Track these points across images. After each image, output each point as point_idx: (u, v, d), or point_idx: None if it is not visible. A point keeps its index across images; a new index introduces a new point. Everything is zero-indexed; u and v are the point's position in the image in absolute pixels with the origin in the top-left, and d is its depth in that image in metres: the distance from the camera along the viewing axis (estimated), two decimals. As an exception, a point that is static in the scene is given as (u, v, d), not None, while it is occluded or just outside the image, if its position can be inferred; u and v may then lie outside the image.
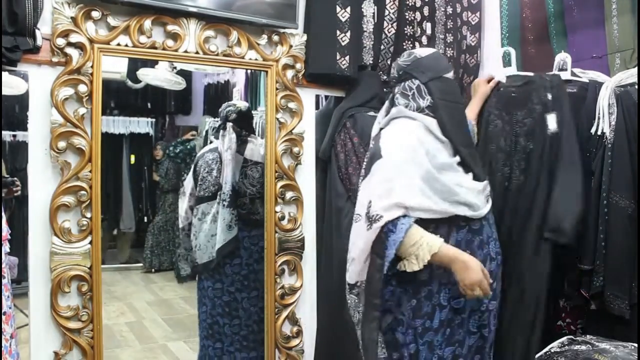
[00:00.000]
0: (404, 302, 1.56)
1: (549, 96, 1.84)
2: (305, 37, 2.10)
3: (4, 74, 1.61)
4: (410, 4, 2.34)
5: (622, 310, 1.68)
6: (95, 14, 1.70)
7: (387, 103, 1.70)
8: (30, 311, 1.68)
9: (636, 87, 1.75)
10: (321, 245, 2.25)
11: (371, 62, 2.25)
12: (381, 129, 1.65)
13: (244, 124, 2.37)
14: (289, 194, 2.12)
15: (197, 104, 3.12)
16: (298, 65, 2.09)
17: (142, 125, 2.91)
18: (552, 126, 1.83)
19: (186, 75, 2.77)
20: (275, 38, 2.04)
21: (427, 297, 1.56)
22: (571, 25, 2.14)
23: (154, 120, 2.97)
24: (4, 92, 1.61)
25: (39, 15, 1.62)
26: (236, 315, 2.34)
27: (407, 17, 2.34)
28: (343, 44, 2.12)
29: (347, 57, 2.13)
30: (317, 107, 2.40)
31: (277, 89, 2.06)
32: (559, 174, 1.79)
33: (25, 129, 1.74)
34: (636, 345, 1.28)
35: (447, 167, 1.55)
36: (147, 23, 1.78)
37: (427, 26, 2.39)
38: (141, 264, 3.09)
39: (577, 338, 1.39)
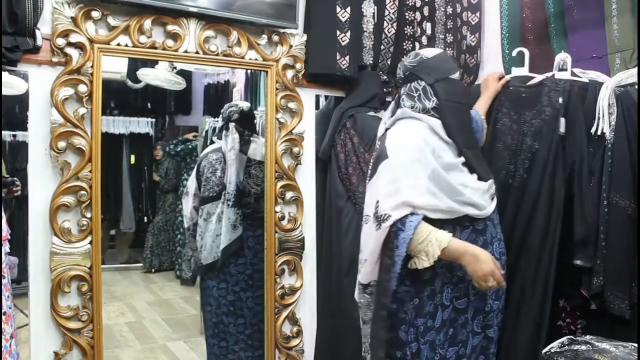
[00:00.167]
0: (407, 301, 1.56)
1: (560, 100, 1.85)
2: (305, 37, 2.10)
3: (4, 74, 1.61)
4: (410, 4, 2.34)
5: (622, 310, 1.67)
6: (95, 14, 1.70)
7: (392, 104, 1.70)
8: (30, 311, 1.68)
9: (636, 87, 1.75)
10: (321, 245, 2.25)
11: (371, 62, 2.25)
12: (387, 129, 1.66)
13: (246, 124, 2.38)
14: (289, 194, 2.12)
15: (197, 104, 3.12)
16: (298, 65, 2.09)
17: (142, 125, 2.91)
18: (562, 129, 1.84)
19: (186, 75, 2.78)
20: (275, 38, 2.04)
21: (430, 297, 1.56)
22: (571, 25, 2.13)
23: (154, 120, 2.97)
24: (4, 92, 1.61)
25: (39, 15, 1.62)
26: (241, 315, 2.35)
27: (407, 17, 2.34)
28: (343, 44, 2.12)
29: (347, 57, 2.13)
30: (317, 107, 2.40)
31: (277, 89, 2.06)
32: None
33: (25, 129, 1.74)
34: (636, 345, 1.28)
35: (453, 167, 1.56)
36: (147, 23, 1.78)
37: (427, 26, 2.39)
38: (141, 264, 3.09)
39: (577, 338, 1.39)
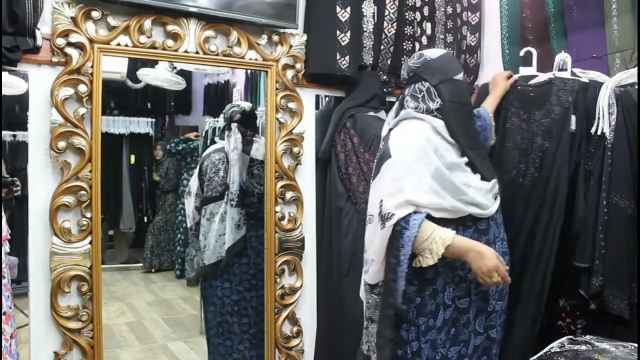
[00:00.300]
0: (411, 300, 1.57)
1: (570, 99, 1.85)
2: (305, 37, 2.10)
3: (4, 74, 1.61)
4: (410, 4, 2.34)
5: (622, 310, 1.68)
6: (95, 14, 1.70)
7: (396, 104, 1.70)
8: (30, 311, 1.68)
9: (636, 87, 1.75)
10: (321, 245, 2.25)
11: (371, 62, 2.25)
12: (390, 129, 1.66)
13: (248, 124, 2.39)
14: (289, 194, 2.12)
15: (197, 104, 3.12)
16: (298, 65, 2.09)
17: (142, 125, 2.91)
18: (573, 126, 1.85)
19: (186, 75, 2.77)
20: (275, 38, 2.04)
21: (432, 296, 1.56)
22: (571, 25, 2.13)
23: (154, 120, 2.97)
24: (4, 92, 1.61)
25: (39, 15, 1.62)
26: (245, 314, 2.36)
27: (407, 17, 2.34)
28: (343, 44, 2.12)
29: (347, 57, 2.13)
30: (317, 107, 2.40)
31: (277, 89, 2.06)
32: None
33: (25, 129, 1.73)
34: (636, 345, 1.28)
35: (456, 166, 1.56)
36: (147, 23, 1.78)
37: (427, 26, 2.39)
38: (141, 264, 3.09)
39: (577, 338, 1.39)
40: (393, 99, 2.36)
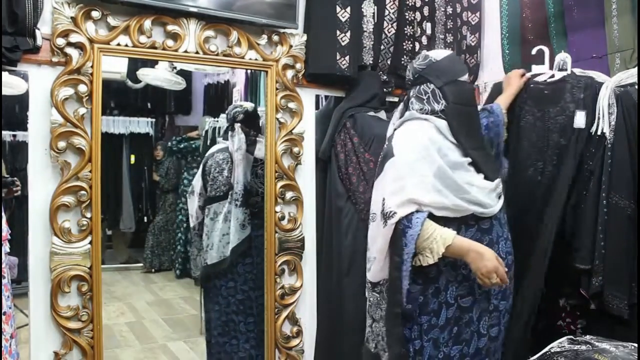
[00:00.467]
0: (415, 298, 1.57)
1: (582, 96, 1.86)
2: (305, 37, 2.10)
3: (4, 74, 1.61)
4: (410, 4, 2.34)
5: (621, 310, 1.68)
6: (95, 14, 1.70)
7: (401, 105, 1.72)
8: (30, 311, 1.68)
9: (636, 87, 1.75)
10: (321, 245, 2.25)
11: (371, 62, 2.25)
12: (395, 129, 1.67)
13: (251, 124, 2.39)
14: (289, 194, 2.12)
15: (197, 104, 3.12)
16: (298, 65, 2.09)
17: (142, 125, 2.91)
18: (580, 122, 1.84)
19: (186, 75, 2.78)
20: (275, 38, 2.04)
21: (434, 294, 1.57)
22: (571, 25, 2.13)
23: (154, 120, 2.97)
24: (4, 92, 1.61)
25: (39, 15, 1.62)
26: (250, 313, 2.36)
27: (407, 17, 2.34)
28: (343, 44, 2.12)
29: (347, 57, 2.13)
30: (317, 107, 2.40)
31: (277, 89, 2.06)
32: None
33: (25, 129, 1.73)
34: (636, 345, 1.28)
35: (459, 166, 1.57)
36: (147, 23, 1.78)
37: (427, 26, 2.39)
38: (141, 264, 3.09)
39: (577, 338, 1.38)
40: (393, 99, 2.36)
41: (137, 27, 1.77)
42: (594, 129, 1.80)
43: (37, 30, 1.62)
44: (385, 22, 2.29)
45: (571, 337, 1.38)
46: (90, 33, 1.69)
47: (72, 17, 1.67)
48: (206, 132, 2.82)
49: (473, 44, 2.56)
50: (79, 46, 1.68)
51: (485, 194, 1.58)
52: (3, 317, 1.41)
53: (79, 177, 1.69)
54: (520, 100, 2.02)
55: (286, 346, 2.13)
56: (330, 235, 2.21)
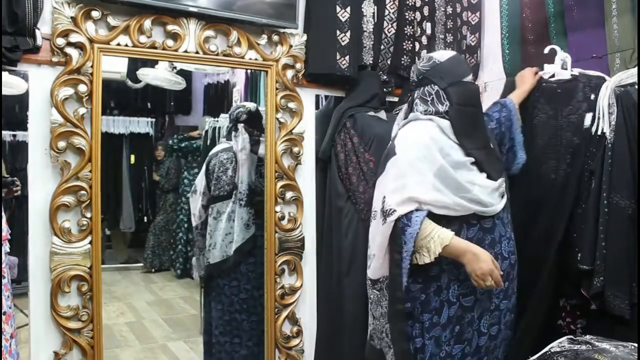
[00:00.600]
0: (416, 297, 1.58)
1: (592, 96, 1.86)
2: (305, 37, 2.10)
3: (4, 74, 1.61)
4: (410, 4, 2.34)
5: (622, 310, 1.67)
6: (95, 14, 1.70)
7: (405, 106, 1.74)
8: (30, 311, 1.68)
9: (636, 87, 1.75)
10: (321, 245, 2.25)
11: (371, 62, 2.25)
12: (399, 130, 1.69)
13: (254, 124, 2.40)
14: (289, 194, 2.12)
15: (197, 104, 3.12)
16: (298, 65, 2.09)
17: (142, 125, 2.92)
18: (590, 123, 1.85)
19: (186, 75, 2.78)
20: (275, 38, 2.04)
21: (436, 293, 1.58)
22: (571, 25, 2.13)
23: (154, 120, 2.98)
24: (4, 92, 1.61)
25: (39, 15, 1.62)
26: (254, 312, 2.36)
27: (407, 17, 2.33)
28: (343, 44, 2.12)
29: (347, 57, 2.13)
30: (317, 107, 2.40)
31: (277, 89, 2.06)
32: None
33: (25, 129, 1.73)
34: (636, 345, 1.28)
35: (461, 165, 1.58)
36: (147, 23, 1.78)
37: (427, 26, 2.39)
38: (141, 264, 3.10)
39: (577, 338, 1.38)
40: (393, 99, 2.36)
41: (137, 27, 1.77)
42: (594, 128, 1.80)
43: (37, 30, 1.62)
44: (385, 22, 2.29)
45: (571, 337, 1.38)
46: (90, 33, 1.69)
47: (72, 17, 1.67)
48: (206, 132, 2.82)
49: (473, 44, 2.56)
50: (79, 46, 1.68)
51: (487, 193, 1.59)
52: (3, 317, 1.41)
53: (79, 177, 1.69)
54: (533, 98, 2.02)
55: (286, 346, 2.13)
56: (330, 235, 2.21)
